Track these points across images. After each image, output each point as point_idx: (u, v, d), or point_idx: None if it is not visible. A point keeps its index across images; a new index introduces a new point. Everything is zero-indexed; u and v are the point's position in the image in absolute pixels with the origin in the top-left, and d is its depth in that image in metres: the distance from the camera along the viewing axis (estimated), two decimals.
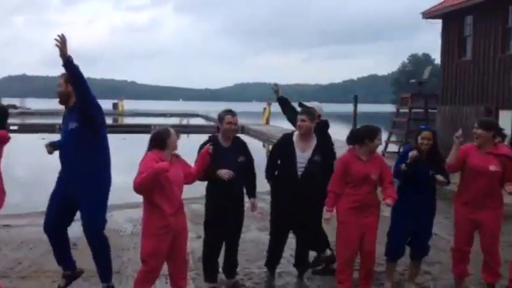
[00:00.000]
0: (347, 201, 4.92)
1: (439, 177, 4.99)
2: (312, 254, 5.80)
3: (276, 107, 10.36)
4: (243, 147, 5.31)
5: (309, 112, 5.44)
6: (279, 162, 5.50)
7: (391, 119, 20.35)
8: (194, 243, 6.43)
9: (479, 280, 5.33)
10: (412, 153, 4.97)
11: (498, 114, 14.69)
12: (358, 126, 5.93)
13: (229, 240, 5.30)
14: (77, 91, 4.62)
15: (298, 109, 5.92)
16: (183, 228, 4.53)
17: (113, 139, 5.29)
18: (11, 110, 5.52)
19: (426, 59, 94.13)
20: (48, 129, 24.28)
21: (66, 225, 4.93)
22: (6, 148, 5.03)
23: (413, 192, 5.06)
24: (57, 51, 4.31)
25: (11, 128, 14.05)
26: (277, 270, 5.66)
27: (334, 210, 4.97)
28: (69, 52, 4.33)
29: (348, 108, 24.04)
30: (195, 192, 6.83)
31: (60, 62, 4.37)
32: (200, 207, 6.93)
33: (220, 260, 5.35)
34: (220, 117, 5.23)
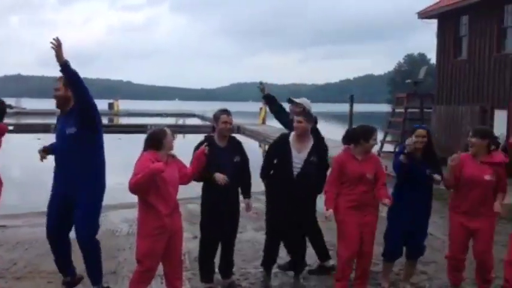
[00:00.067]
0: (344, 200, 4.95)
1: (437, 176, 5.02)
2: (312, 254, 5.81)
3: None
4: (238, 147, 5.32)
5: (306, 113, 5.45)
6: (275, 161, 5.50)
7: (387, 118, 20.38)
8: (190, 243, 6.42)
9: (473, 280, 5.34)
10: (409, 140, 5.01)
11: (493, 113, 14.71)
12: (354, 126, 5.94)
13: (225, 240, 5.31)
14: (75, 94, 4.62)
15: (288, 105, 5.96)
16: (178, 228, 4.53)
17: (108, 139, 5.28)
18: (6, 110, 5.51)
19: (422, 58, 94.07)
20: (44, 129, 24.34)
21: (68, 229, 4.91)
22: (1, 149, 5.02)
23: (409, 190, 5.07)
24: (53, 52, 4.32)
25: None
26: (273, 270, 5.67)
27: (331, 210, 4.97)
28: (65, 52, 4.34)
29: (344, 108, 24.08)
30: (191, 192, 6.83)
31: (56, 63, 4.38)
32: (196, 207, 6.93)
33: (217, 260, 5.35)
34: (216, 117, 5.24)
